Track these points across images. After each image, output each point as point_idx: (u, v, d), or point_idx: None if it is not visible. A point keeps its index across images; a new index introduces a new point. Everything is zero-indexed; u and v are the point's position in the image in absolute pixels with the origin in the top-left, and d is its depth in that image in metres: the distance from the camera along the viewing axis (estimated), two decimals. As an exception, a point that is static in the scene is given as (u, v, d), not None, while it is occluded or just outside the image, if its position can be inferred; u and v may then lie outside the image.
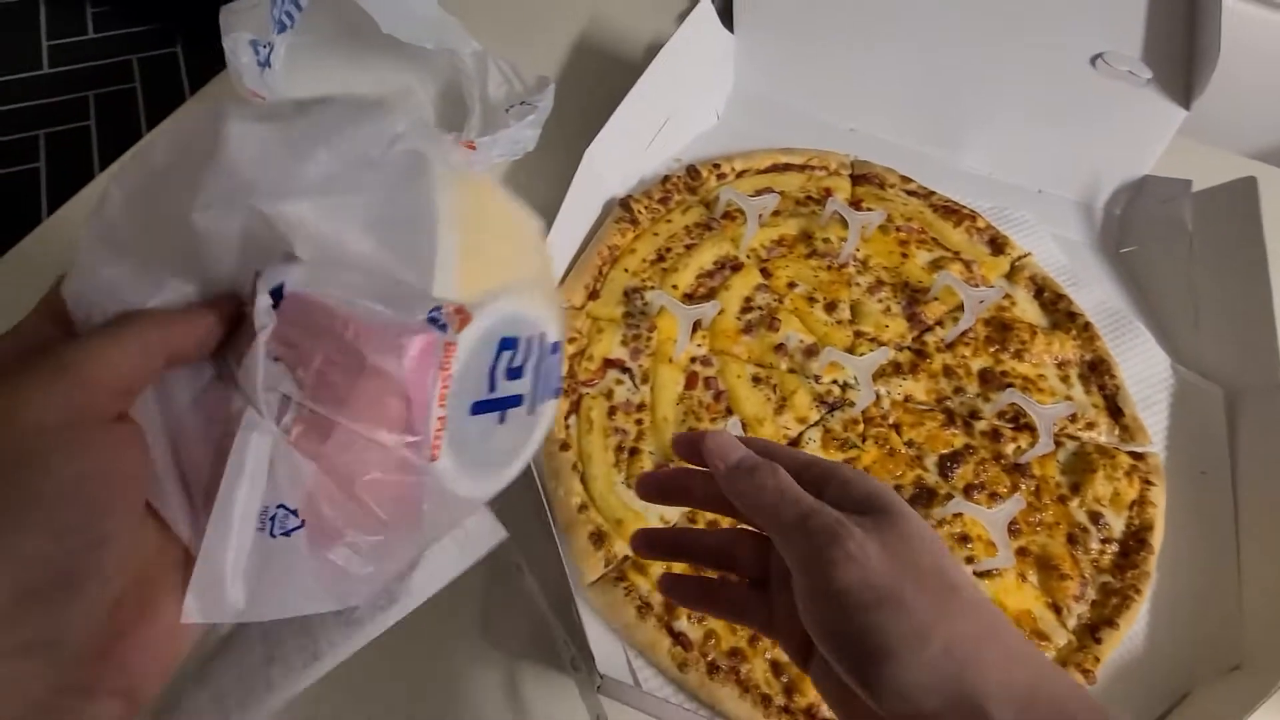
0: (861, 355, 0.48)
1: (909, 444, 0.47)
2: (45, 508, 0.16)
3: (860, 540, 0.22)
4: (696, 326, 0.49)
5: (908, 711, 0.21)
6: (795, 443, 0.46)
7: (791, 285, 0.53)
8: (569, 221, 0.50)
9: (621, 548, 0.41)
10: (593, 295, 0.50)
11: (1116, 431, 0.49)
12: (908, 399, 0.49)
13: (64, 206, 0.54)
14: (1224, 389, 0.51)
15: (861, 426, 0.47)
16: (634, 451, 0.44)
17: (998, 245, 0.56)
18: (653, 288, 0.50)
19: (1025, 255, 0.56)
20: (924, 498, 0.45)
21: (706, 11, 0.57)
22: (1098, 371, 0.51)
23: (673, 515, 0.43)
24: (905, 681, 0.21)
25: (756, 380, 0.48)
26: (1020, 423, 0.48)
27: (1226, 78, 0.70)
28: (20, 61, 1.71)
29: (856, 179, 0.59)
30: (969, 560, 0.43)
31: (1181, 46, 0.67)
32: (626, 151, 0.55)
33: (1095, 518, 0.45)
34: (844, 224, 0.54)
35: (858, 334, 0.51)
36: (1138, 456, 0.48)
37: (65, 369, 0.17)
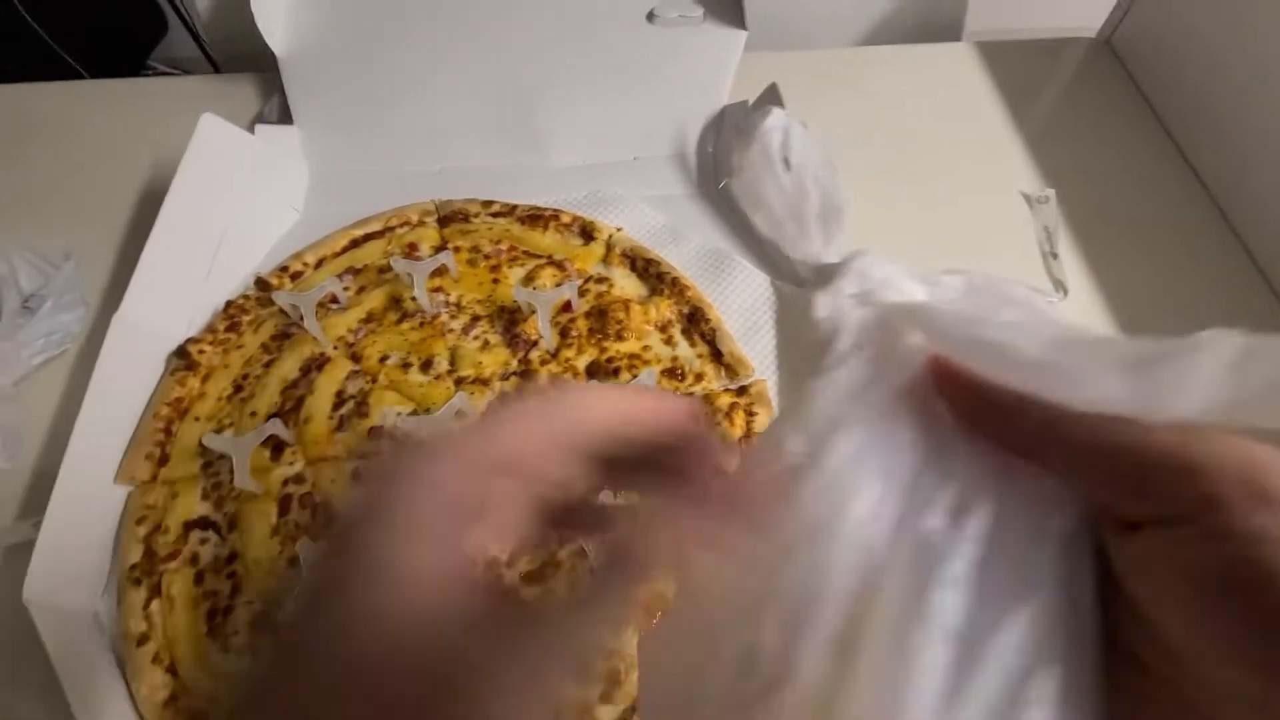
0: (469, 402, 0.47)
1: (524, 473, 0.46)
2: None
3: None
4: (282, 448, 0.47)
5: None
6: (407, 523, 0.44)
7: (384, 359, 0.51)
8: (111, 401, 0.46)
9: (225, 723, 0.38)
10: (162, 461, 0.47)
11: (723, 373, 0.49)
12: (521, 426, 0.48)
13: None
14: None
15: (472, 476, 0.46)
16: (228, 609, 0.41)
17: (588, 233, 0.56)
18: (231, 425, 0.48)
19: (616, 231, 0.56)
20: (541, 524, 0.44)
21: (212, 124, 0.55)
22: (696, 321, 0.51)
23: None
24: None
25: (358, 475, 0.46)
26: (629, 404, 0.48)
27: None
28: None
29: (443, 220, 0.58)
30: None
31: (724, -26, 0.69)
32: (179, 294, 0.52)
33: (712, 470, 0.45)
34: (435, 276, 0.53)
35: (459, 381, 0.50)
36: (743, 391, 0.48)
37: None
